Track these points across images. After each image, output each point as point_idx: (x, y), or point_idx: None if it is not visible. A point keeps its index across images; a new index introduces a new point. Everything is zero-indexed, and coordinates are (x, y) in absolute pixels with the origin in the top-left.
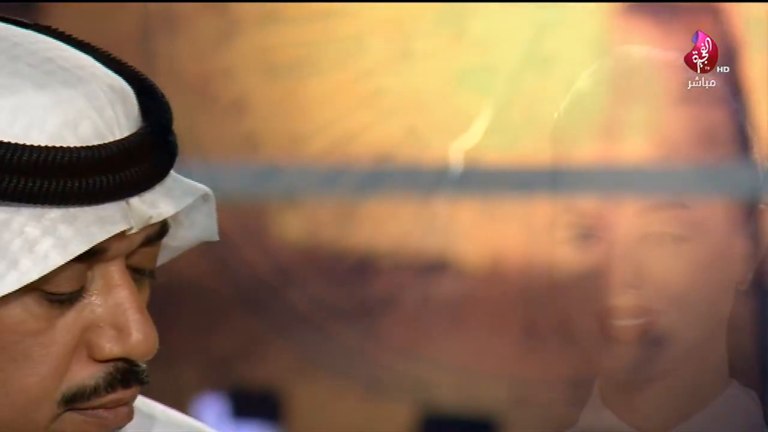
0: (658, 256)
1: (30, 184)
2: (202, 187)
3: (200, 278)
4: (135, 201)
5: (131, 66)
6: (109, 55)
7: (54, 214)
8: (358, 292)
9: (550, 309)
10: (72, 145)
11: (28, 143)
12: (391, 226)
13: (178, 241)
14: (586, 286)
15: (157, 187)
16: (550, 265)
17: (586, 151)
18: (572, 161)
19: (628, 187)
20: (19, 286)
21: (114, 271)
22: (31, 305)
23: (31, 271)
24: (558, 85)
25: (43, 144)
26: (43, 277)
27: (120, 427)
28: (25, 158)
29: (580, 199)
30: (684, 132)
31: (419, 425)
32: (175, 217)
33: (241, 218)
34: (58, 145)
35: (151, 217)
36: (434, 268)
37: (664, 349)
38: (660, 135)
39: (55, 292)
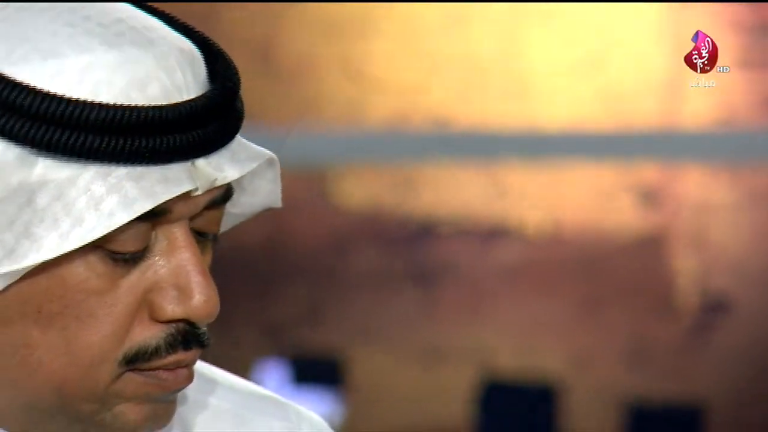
0: (719, 222)
1: (97, 141)
2: (267, 153)
3: (261, 244)
4: (201, 163)
5: (199, 31)
6: (178, 20)
7: (120, 172)
8: (419, 258)
9: (610, 274)
10: (140, 104)
11: (96, 101)
12: (451, 192)
13: (241, 207)
14: (648, 252)
15: (222, 151)
16: (612, 230)
17: (648, 116)
18: (635, 127)
19: (690, 153)
20: (83, 243)
21: (178, 233)
22: (96, 264)
23: (95, 229)
24: (621, 51)
25: (111, 103)
26: (107, 235)
27: (179, 389)
28: (93, 115)
29: (642, 165)
30: (745, 96)
31: (479, 391)
32: (239, 183)
33: (301, 184)
34: (126, 104)
35: (216, 180)
36: (495, 234)
37: (724, 315)
38: (722, 100)
39: (119, 251)
